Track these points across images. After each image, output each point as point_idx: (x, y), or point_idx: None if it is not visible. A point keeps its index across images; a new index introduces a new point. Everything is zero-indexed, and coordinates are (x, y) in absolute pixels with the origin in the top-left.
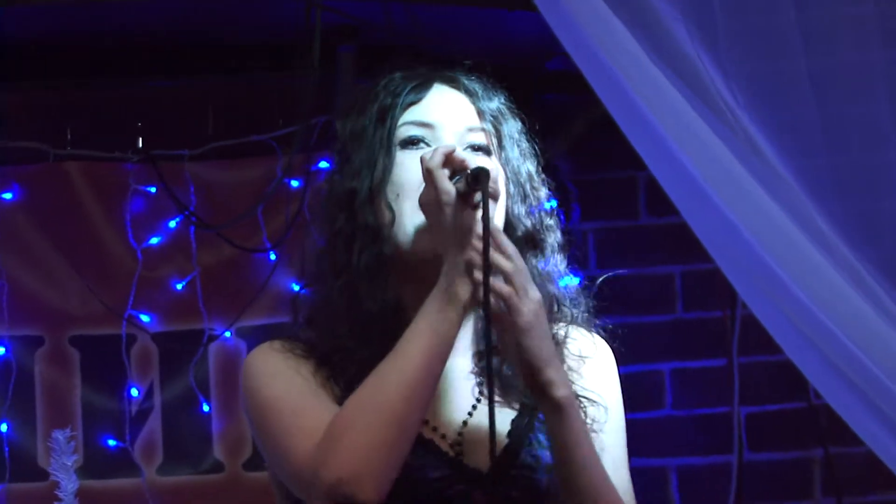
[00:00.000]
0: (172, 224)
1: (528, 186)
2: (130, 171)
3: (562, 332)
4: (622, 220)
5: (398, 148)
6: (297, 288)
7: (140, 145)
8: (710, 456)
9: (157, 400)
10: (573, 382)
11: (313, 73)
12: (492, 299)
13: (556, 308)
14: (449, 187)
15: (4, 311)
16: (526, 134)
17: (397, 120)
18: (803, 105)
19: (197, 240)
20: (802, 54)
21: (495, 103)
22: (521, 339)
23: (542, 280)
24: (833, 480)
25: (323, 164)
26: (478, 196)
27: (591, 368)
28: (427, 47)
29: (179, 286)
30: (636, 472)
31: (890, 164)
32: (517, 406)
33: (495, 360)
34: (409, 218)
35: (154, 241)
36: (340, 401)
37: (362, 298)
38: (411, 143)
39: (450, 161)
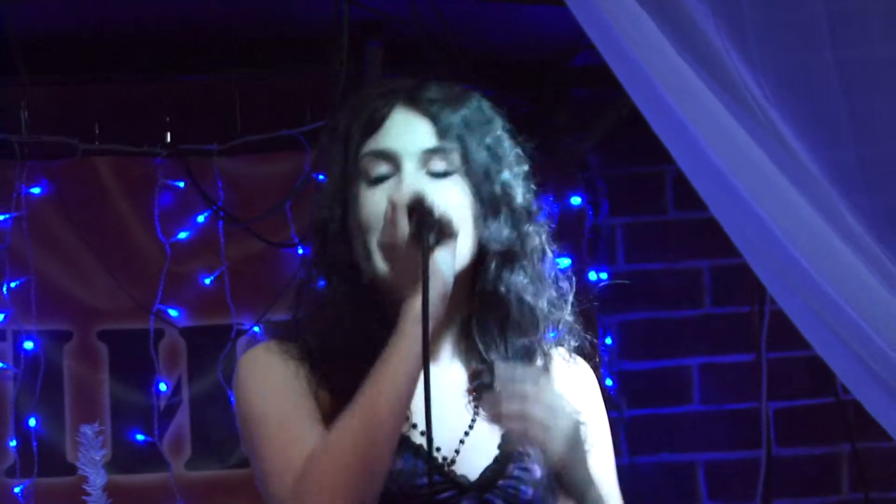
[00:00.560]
0: (201, 219)
1: (501, 197)
2: (159, 165)
3: (546, 358)
4: (650, 214)
5: (363, 183)
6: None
7: (168, 140)
8: (737, 451)
9: (186, 394)
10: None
11: (341, 68)
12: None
13: (540, 327)
14: (402, 232)
15: (33, 306)
16: (508, 135)
17: (360, 149)
18: (831, 98)
19: (225, 234)
20: (830, 47)
21: (461, 115)
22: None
23: (520, 292)
24: (861, 475)
25: None
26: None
27: (577, 396)
28: (454, 42)
29: (208, 281)
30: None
31: None
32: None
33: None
34: (380, 254)
35: (182, 235)
36: (332, 408)
37: (346, 320)
38: (376, 180)
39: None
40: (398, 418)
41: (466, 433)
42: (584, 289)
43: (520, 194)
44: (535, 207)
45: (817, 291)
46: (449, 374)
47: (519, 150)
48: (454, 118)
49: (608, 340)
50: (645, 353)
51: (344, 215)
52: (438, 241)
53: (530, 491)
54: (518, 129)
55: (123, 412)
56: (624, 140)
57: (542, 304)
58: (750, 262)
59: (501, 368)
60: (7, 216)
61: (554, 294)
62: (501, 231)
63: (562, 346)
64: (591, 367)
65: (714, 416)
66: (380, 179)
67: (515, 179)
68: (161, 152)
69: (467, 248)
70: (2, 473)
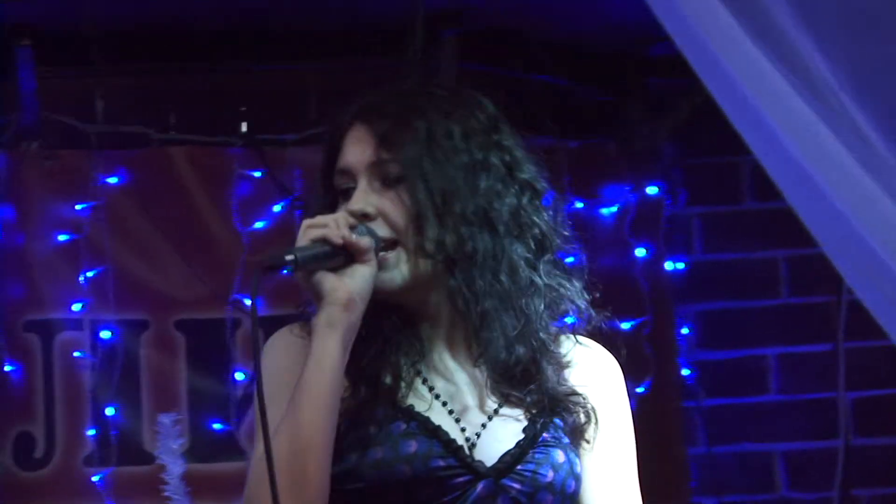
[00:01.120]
0: (278, 208)
1: (447, 205)
2: (235, 155)
3: (564, 345)
4: (727, 204)
5: (340, 196)
6: None
7: (244, 130)
8: (816, 441)
9: None
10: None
11: (416, 58)
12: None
13: (516, 323)
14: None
15: (110, 295)
16: (467, 143)
17: (334, 166)
18: None
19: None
20: None
21: (408, 128)
22: None
23: (476, 297)
24: None
25: None
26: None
27: (601, 384)
28: (530, 32)
29: (285, 271)
30: (743, 457)
31: None
32: (530, 415)
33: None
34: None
35: (259, 225)
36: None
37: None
38: (346, 193)
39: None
40: (321, 425)
41: (490, 417)
42: (660, 278)
43: (469, 197)
44: (497, 202)
45: (894, 282)
46: (467, 359)
47: (480, 157)
48: (397, 129)
49: (685, 330)
50: (722, 343)
51: None
52: (352, 259)
53: (550, 474)
54: (595, 119)
55: (201, 401)
56: (701, 130)
57: (510, 296)
58: (827, 253)
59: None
60: (84, 206)
61: (533, 278)
62: (445, 239)
63: (574, 333)
64: (620, 356)
65: (792, 406)
66: (346, 193)
67: (466, 181)
68: (237, 142)
69: (416, 256)
70: (81, 462)
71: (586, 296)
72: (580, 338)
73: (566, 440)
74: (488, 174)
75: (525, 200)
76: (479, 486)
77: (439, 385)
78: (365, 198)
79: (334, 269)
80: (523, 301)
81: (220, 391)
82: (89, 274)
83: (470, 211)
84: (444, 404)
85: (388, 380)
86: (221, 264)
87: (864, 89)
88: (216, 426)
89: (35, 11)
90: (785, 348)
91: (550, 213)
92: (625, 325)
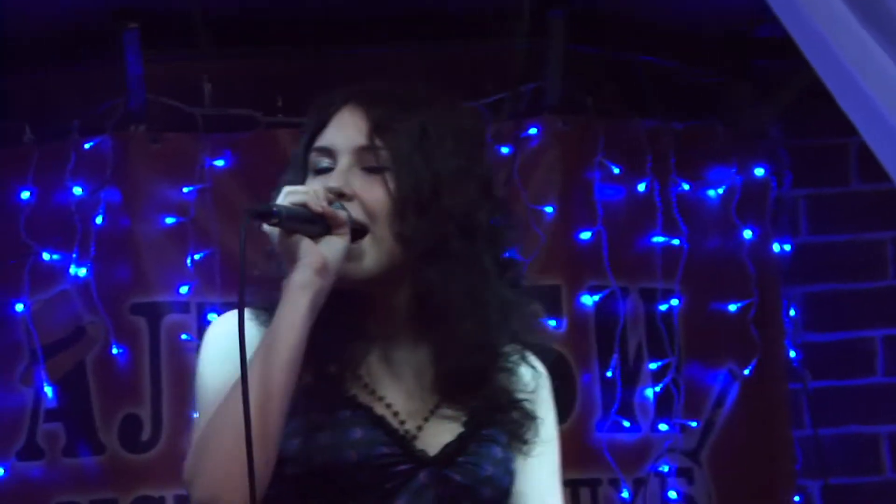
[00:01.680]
0: None
1: (429, 198)
2: None
3: (510, 358)
4: (833, 186)
5: (311, 174)
6: None
7: None
8: None
9: None
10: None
11: (523, 39)
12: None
13: (477, 322)
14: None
15: (217, 278)
16: (455, 139)
17: (311, 146)
18: None
19: None
20: None
21: (400, 117)
22: None
23: (446, 291)
24: None
25: (532, 131)
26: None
27: (538, 395)
28: (637, 13)
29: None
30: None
31: None
32: (470, 412)
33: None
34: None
35: None
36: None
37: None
38: (318, 171)
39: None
40: (284, 381)
41: (432, 411)
42: (766, 260)
43: (454, 195)
44: (476, 209)
45: None
46: (416, 355)
47: (472, 153)
48: (392, 119)
49: (792, 312)
50: (828, 325)
51: None
52: (327, 229)
53: (490, 468)
54: (700, 101)
55: None
56: (807, 111)
57: (474, 303)
58: None
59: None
60: (191, 188)
61: (496, 291)
62: (422, 231)
63: (517, 344)
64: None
65: None
66: (321, 171)
67: (452, 180)
68: None
69: (387, 244)
70: (187, 445)
71: (539, 314)
72: (525, 352)
73: (503, 438)
74: (472, 182)
75: (498, 218)
76: (421, 475)
77: (384, 380)
78: (346, 178)
79: (310, 237)
80: (485, 310)
81: None
82: (196, 257)
83: (454, 210)
84: (381, 398)
85: (332, 369)
86: None
87: None
88: None
89: None
90: (892, 330)
91: (515, 236)
92: (731, 308)
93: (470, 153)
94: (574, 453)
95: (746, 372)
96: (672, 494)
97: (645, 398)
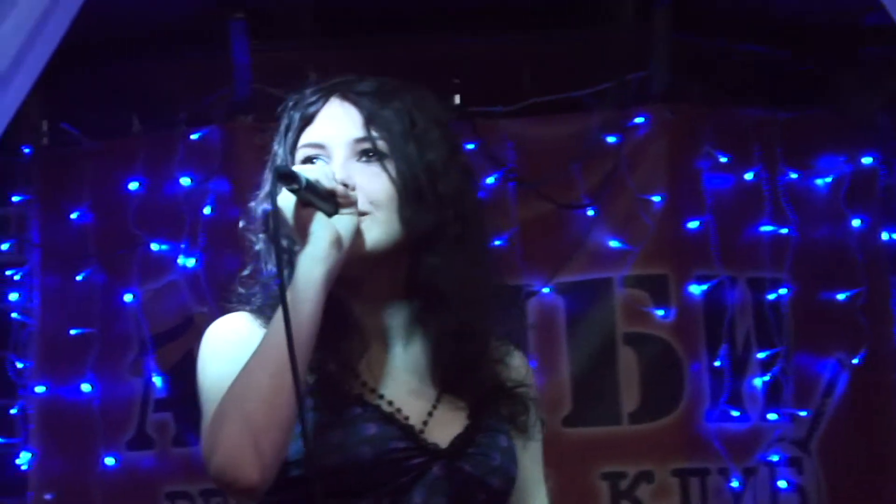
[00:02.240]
0: (491, 180)
1: (426, 184)
2: None
3: (500, 348)
4: None
5: None
6: None
7: (457, 102)
8: None
9: None
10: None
11: (628, 29)
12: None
13: (474, 309)
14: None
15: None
16: (441, 127)
17: (297, 141)
18: None
19: (515, 196)
20: None
21: (390, 106)
22: None
23: (444, 277)
24: None
25: (639, 120)
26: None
27: (528, 385)
28: (743, 1)
29: (498, 242)
30: None
31: None
32: (472, 402)
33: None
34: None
35: None
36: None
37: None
38: (306, 162)
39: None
40: (301, 353)
41: (435, 406)
42: (876, 249)
43: (446, 182)
44: (465, 196)
45: None
46: (413, 349)
47: (453, 141)
48: (382, 109)
49: None
50: None
51: None
52: (336, 209)
53: (498, 457)
54: (807, 90)
55: None
56: None
57: (470, 289)
58: None
59: None
60: None
61: (486, 281)
62: (423, 216)
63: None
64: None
65: None
66: (310, 161)
67: (443, 168)
68: (450, 115)
69: (389, 226)
70: None
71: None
72: (509, 343)
73: (506, 427)
74: (457, 170)
75: (480, 206)
76: (435, 468)
77: (383, 378)
78: (347, 170)
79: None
80: (479, 295)
81: None
82: None
83: (449, 195)
84: (382, 396)
85: (331, 367)
86: None
87: None
88: None
89: None
90: None
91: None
92: (840, 297)
93: (451, 143)
94: (682, 443)
95: (856, 361)
96: (782, 484)
97: (754, 387)
